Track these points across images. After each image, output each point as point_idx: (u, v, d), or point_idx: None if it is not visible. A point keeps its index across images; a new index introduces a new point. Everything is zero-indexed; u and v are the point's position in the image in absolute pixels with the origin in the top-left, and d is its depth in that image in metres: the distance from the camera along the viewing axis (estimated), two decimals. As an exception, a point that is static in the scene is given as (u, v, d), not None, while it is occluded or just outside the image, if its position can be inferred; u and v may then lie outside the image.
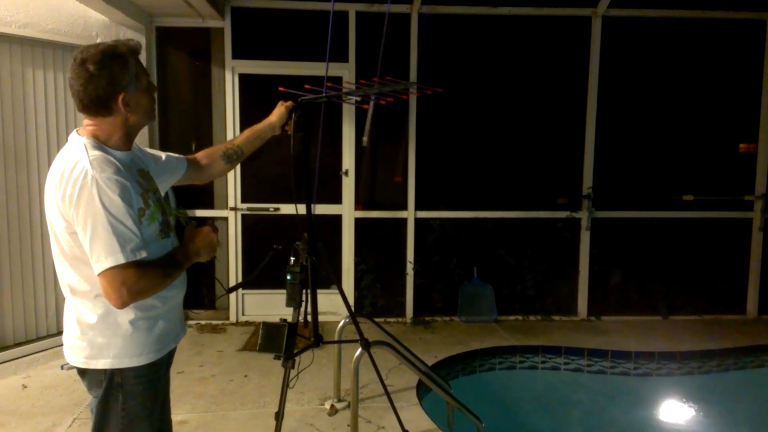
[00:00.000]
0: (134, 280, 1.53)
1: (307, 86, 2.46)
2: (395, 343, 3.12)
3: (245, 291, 5.04)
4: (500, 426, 3.57)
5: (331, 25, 3.86)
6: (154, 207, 1.69)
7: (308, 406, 3.40)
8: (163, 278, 1.63)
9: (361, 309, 5.02)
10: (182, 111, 5.10)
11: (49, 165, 1.67)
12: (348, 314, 2.87)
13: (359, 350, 2.75)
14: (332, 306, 4.83)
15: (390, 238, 5.11)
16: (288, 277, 2.51)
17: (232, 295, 4.99)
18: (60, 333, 2.07)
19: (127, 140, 1.72)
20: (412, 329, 4.88)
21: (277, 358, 2.43)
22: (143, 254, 1.57)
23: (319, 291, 2.65)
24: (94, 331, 1.65)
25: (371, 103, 2.97)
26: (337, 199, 5.03)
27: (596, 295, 5.24)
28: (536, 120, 5.13)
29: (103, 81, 1.60)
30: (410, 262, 5.07)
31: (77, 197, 1.53)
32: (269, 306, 4.95)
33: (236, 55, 4.87)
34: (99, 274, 1.53)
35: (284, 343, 2.42)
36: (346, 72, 4.89)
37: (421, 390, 3.59)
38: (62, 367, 3.86)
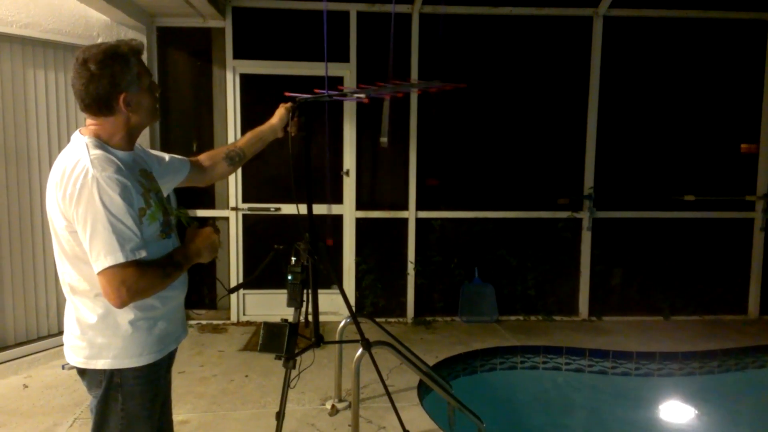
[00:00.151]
0: (134, 279, 1.53)
1: (316, 90, 2.47)
2: (396, 343, 3.12)
3: (246, 291, 5.04)
4: (501, 426, 3.57)
5: (325, 25, 3.86)
6: (156, 207, 1.69)
7: (309, 406, 3.40)
8: (163, 278, 1.63)
9: (362, 309, 5.02)
10: (183, 111, 5.10)
11: (50, 165, 1.67)
12: (349, 314, 2.87)
13: (360, 350, 2.75)
14: (333, 306, 4.83)
15: (391, 238, 5.11)
16: (289, 277, 2.52)
17: (233, 295, 4.99)
18: (61, 333, 2.07)
19: (130, 140, 1.72)
20: (413, 329, 4.88)
21: (278, 358, 2.43)
22: (143, 254, 1.57)
23: (320, 291, 2.65)
24: (93, 331, 1.65)
25: (387, 102, 2.95)
26: (337, 199, 5.03)
27: (597, 296, 5.24)
28: (537, 120, 5.13)
29: (104, 81, 1.60)
30: (411, 262, 5.07)
31: (78, 196, 1.53)
32: (270, 306, 4.95)
33: (237, 55, 4.87)
34: (98, 273, 1.53)
35: (285, 343, 2.42)
36: (347, 72, 4.89)
37: (422, 390, 3.59)
38: (63, 367, 3.86)
